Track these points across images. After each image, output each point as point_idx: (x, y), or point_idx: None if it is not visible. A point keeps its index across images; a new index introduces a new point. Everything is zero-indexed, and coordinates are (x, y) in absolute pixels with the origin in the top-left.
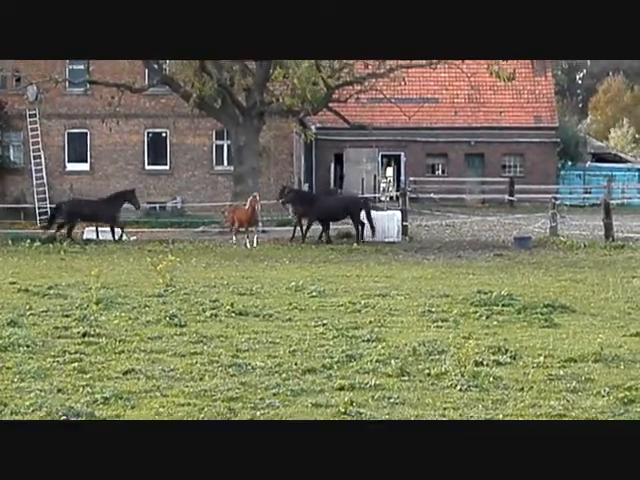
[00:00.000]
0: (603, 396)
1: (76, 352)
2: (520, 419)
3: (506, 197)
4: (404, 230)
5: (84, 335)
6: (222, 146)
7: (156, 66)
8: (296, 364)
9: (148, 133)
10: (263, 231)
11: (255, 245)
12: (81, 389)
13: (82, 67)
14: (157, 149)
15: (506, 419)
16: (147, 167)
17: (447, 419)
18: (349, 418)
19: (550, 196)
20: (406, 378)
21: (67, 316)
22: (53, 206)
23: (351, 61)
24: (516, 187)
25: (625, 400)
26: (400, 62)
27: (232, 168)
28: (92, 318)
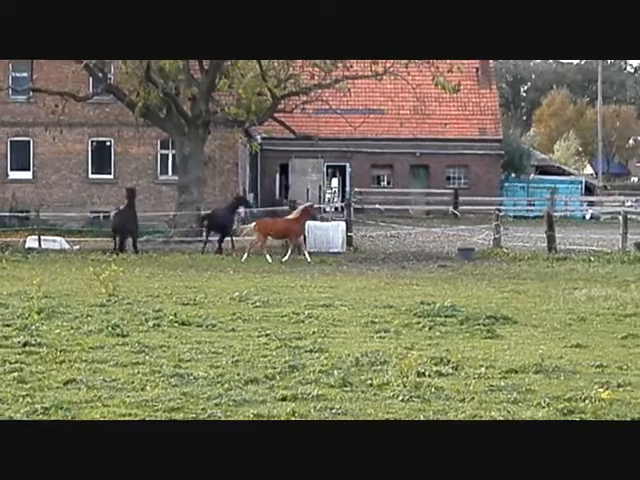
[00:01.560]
0: (543, 407)
1: (16, 362)
2: None
3: (450, 208)
4: (349, 241)
5: (25, 345)
6: (167, 155)
7: (101, 74)
8: (238, 374)
9: (92, 142)
10: (208, 241)
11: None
12: (21, 399)
13: (25, 75)
14: (101, 158)
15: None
16: (91, 176)
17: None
18: None
19: (494, 208)
20: (348, 389)
21: (8, 325)
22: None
23: (297, 71)
24: (460, 199)
25: (565, 411)
26: (346, 73)
27: (177, 178)
28: (33, 328)
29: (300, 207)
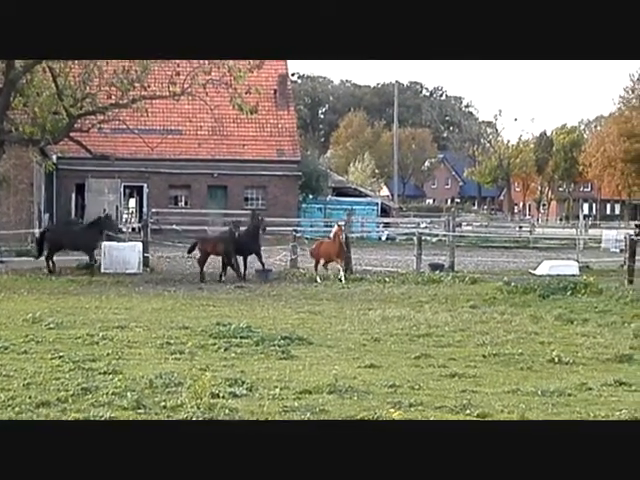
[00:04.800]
0: None
1: None
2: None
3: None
4: (145, 261)
5: None
6: None
7: None
8: (30, 397)
9: None
10: (0, 262)
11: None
12: None
13: None
14: None
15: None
16: None
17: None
18: None
19: (291, 229)
20: (142, 411)
21: None
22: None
23: (94, 90)
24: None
25: None
26: (143, 93)
27: None
28: None
29: (333, 229)
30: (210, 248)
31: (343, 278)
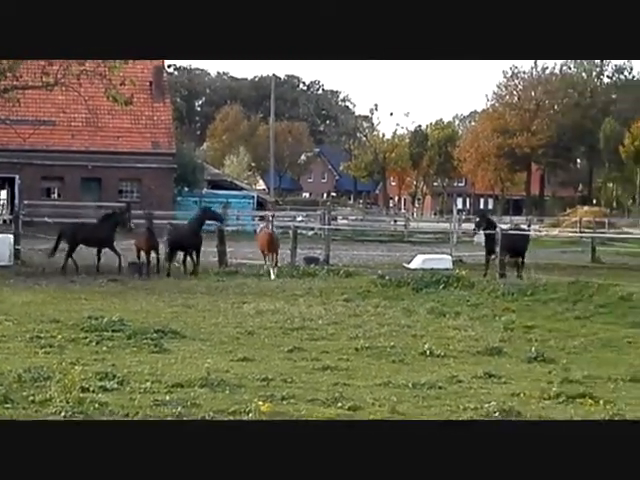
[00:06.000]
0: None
1: None
2: None
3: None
4: (16, 254)
5: None
6: None
7: None
8: None
9: None
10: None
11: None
12: None
13: None
14: None
15: None
16: None
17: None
18: None
19: (166, 222)
20: (9, 405)
21: None
22: None
23: None
24: (133, 212)
25: None
26: (15, 82)
27: None
28: None
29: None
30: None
31: (273, 274)
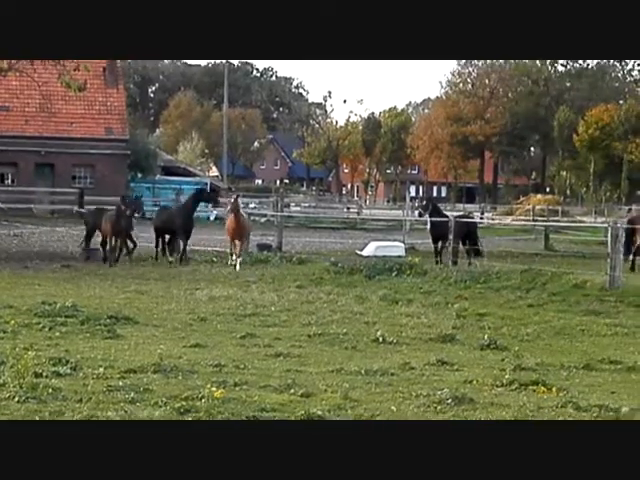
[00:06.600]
0: (160, 406)
1: None
2: None
3: (75, 208)
4: None
5: None
6: None
7: None
8: None
9: None
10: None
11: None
12: None
13: None
14: None
15: None
16: None
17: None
18: None
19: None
20: None
21: None
22: None
23: None
24: (86, 198)
25: (181, 410)
26: None
27: None
28: None
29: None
30: None
31: (237, 264)
